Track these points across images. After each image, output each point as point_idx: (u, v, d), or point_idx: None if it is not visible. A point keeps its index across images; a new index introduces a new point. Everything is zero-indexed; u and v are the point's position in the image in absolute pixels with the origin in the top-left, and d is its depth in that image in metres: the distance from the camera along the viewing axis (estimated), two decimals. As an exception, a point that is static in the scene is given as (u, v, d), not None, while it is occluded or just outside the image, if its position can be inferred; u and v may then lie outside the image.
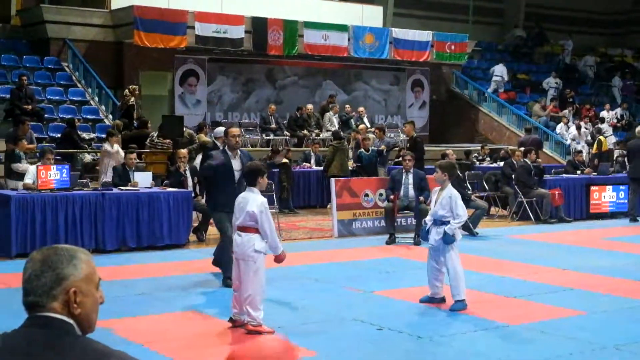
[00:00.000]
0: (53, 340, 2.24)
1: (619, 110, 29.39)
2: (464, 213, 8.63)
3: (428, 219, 8.84)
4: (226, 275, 9.51)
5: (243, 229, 7.46)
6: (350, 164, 18.49)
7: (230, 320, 7.67)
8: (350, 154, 18.97)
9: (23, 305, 2.35)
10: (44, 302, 2.30)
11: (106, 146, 16.03)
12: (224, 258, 9.54)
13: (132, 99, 18.91)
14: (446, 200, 8.54)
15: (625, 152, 19.98)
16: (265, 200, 7.56)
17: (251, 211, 7.35)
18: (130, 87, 19.57)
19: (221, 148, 10.34)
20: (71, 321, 2.31)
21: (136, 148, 16.16)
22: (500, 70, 28.93)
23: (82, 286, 2.35)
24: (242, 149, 10.32)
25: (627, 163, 18.92)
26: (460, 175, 15.47)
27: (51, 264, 2.33)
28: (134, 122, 19.70)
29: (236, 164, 9.48)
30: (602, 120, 27.37)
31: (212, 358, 6.84)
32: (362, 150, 17.23)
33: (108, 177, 15.27)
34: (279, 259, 7.65)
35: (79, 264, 2.36)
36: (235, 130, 9.77)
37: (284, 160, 16.97)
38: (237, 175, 9.44)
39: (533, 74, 32.07)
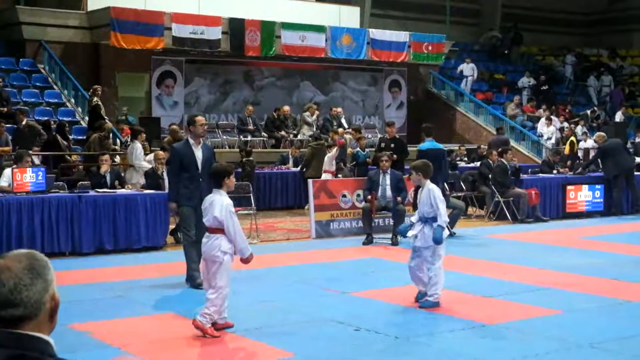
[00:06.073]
0: None
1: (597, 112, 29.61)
2: (443, 207, 8.62)
3: (414, 219, 8.87)
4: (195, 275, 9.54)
5: (210, 230, 7.49)
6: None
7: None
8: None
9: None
10: (35, 313, 2.15)
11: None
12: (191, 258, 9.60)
13: (95, 99, 18.69)
14: (426, 195, 8.60)
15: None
16: (230, 202, 7.48)
17: (216, 215, 7.35)
18: (93, 87, 19.34)
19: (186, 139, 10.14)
20: (49, 339, 2.17)
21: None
22: (470, 68, 29.32)
23: (56, 290, 2.26)
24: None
25: (600, 163, 19.02)
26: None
27: (39, 270, 2.19)
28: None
29: (199, 154, 9.62)
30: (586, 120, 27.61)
31: (189, 360, 6.84)
32: (359, 149, 18.54)
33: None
34: (246, 261, 7.55)
35: (51, 268, 2.26)
36: (202, 119, 9.83)
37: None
38: (200, 165, 9.56)
39: (510, 74, 32.26)
